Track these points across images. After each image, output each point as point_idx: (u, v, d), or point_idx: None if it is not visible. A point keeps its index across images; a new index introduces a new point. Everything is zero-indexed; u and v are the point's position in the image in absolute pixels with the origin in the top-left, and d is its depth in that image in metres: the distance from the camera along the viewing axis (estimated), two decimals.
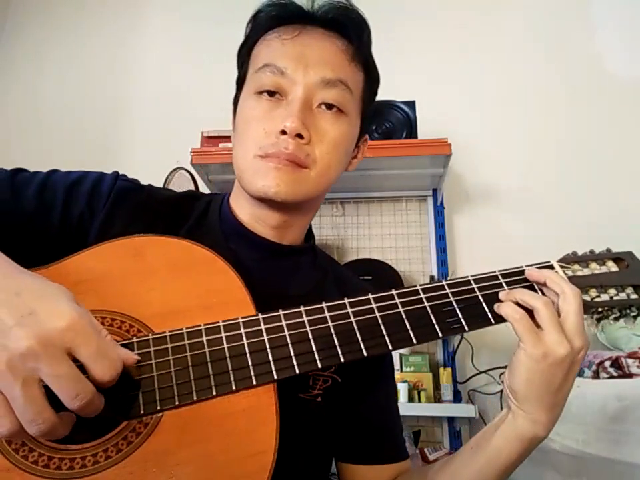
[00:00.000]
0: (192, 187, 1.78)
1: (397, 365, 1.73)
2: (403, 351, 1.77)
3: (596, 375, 1.25)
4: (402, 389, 1.59)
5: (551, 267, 0.58)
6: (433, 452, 1.55)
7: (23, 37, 2.55)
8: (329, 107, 0.62)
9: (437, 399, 1.68)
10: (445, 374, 1.68)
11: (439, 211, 1.95)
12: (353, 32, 0.64)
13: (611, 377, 1.20)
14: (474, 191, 2.05)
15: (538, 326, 0.51)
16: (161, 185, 1.75)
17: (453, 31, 2.25)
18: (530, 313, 0.52)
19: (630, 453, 0.78)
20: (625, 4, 2.21)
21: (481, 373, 1.68)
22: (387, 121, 1.81)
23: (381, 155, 1.70)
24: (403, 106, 1.82)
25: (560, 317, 0.51)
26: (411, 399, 1.61)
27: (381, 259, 1.93)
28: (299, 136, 0.59)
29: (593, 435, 0.88)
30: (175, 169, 1.85)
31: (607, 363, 1.23)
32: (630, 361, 1.18)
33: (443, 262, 1.88)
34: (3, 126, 2.39)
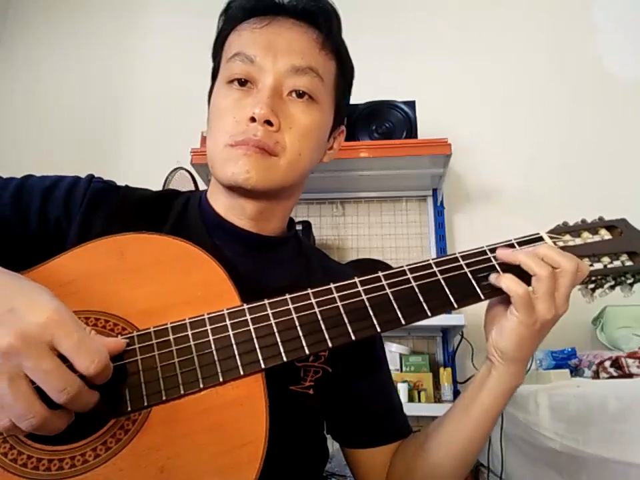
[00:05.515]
0: (192, 187, 1.78)
1: (397, 365, 1.74)
2: (403, 351, 1.77)
3: (596, 375, 1.25)
4: (402, 389, 1.59)
5: (540, 239, 0.57)
6: None
7: (23, 37, 2.55)
8: (300, 95, 0.61)
9: (437, 398, 1.68)
10: (445, 374, 1.68)
11: (439, 211, 1.95)
12: (322, 21, 0.64)
13: (611, 377, 1.20)
14: (474, 191, 2.05)
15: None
16: (161, 185, 1.76)
17: (453, 31, 2.25)
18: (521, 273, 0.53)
19: (630, 453, 0.78)
20: (626, 6, 2.21)
21: None
22: (387, 121, 1.81)
23: (381, 155, 1.70)
24: (402, 106, 1.82)
25: (555, 284, 0.52)
26: (411, 399, 1.61)
27: (381, 259, 1.93)
28: (268, 123, 0.58)
29: (592, 435, 0.88)
30: (174, 169, 1.85)
31: (607, 363, 1.23)
32: (630, 360, 1.18)
33: None
34: (3, 126, 2.39)
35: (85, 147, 2.25)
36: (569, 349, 1.41)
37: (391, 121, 1.81)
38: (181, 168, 1.84)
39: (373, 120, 1.80)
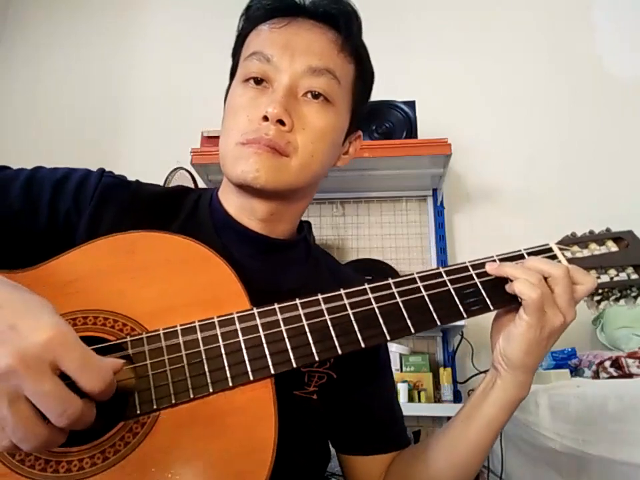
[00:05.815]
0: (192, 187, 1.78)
1: (397, 365, 1.74)
2: (403, 351, 1.77)
3: (596, 375, 1.25)
4: (402, 389, 1.59)
5: (550, 250, 0.58)
6: None
7: (23, 37, 2.55)
8: (315, 96, 0.61)
9: (437, 399, 1.68)
10: (445, 374, 1.68)
11: (439, 211, 1.96)
12: (342, 23, 0.63)
13: (611, 376, 1.20)
14: (474, 191, 2.05)
15: None
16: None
17: (453, 31, 2.25)
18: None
19: (630, 453, 0.78)
20: (626, 6, 2.21)
21: (480, 372, 1.68)
22: (387, 121, 1.81)
23: (381, 155, 1.70)
24: (402, 106, 1.82)
25: (553, 294, 0.52)
26: (411, 399, 1.61)
27: (381, 259, 1.93)
28: (281, 122, 0.58)
29: (593, 435, 0.88)
30: (174, 169, 1.85)
31: (607, 363, 1.23)
32: (630, 360, 1.18)
33: (443, 262, 1.88)
34: (3, 126, 2.39)
35: (85, 146, 2.25)
36: (569, 349, 1.41)
37: (390, 121, 1.81)
38: (181, 168, 1.84)
39: (373, 120, 1.80)
